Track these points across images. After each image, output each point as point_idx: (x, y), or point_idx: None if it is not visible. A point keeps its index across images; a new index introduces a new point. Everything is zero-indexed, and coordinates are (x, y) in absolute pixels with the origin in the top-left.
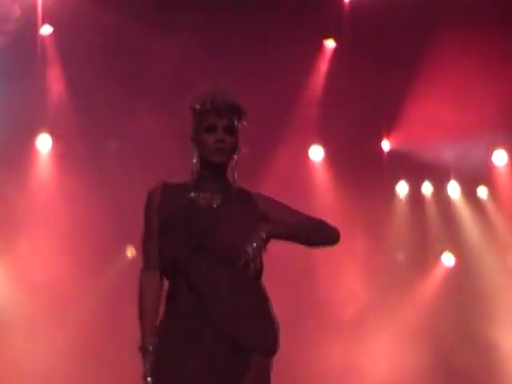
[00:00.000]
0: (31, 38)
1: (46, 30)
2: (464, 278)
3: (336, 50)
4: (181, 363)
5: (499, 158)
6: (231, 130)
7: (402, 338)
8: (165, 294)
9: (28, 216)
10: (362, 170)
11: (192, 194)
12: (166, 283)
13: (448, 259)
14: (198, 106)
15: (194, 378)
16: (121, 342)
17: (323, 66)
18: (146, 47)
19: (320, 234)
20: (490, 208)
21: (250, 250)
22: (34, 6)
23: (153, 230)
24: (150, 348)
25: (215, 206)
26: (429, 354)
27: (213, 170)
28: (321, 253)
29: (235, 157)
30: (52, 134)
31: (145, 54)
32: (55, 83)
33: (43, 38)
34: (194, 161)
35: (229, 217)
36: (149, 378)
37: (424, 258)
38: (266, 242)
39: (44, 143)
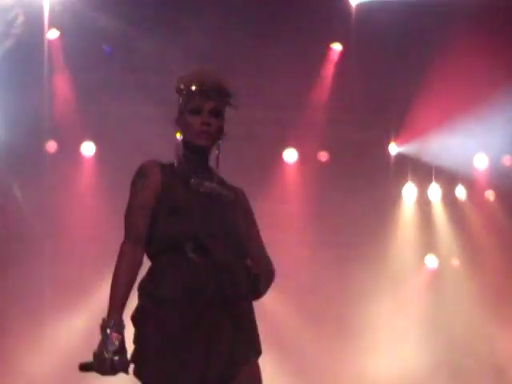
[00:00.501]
0: (38, 42)
1: (53, 34)
2: (471, 279)
3: (342, 54)
4: (183, 340)
5: (507, 161)
6: (217, 113)
7: (411, 338)
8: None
9: (36, 219)
10: (369, 173)
11: (196, 180)
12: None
13: (454, 261)
14: (183, 87)
15: (195, 358)
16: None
17: (330, 70)
18: (153, 51)
19: (268, 285)
20: (497, 211)
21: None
22: (41, 11)
23: (145, 203)
24: (111, 330)
25: (224, 194)
26: (436, 355)
27: (197, 154)
28: (329, 256)
29: (220, 141)
30: (59, 137)
31: (151, 58)
32: (62, 87)
33: (50, 42)
34: (179, 143)
35: (234, 208)
36: (116, 357)
37: (431, 259)
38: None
39: (52, 147)
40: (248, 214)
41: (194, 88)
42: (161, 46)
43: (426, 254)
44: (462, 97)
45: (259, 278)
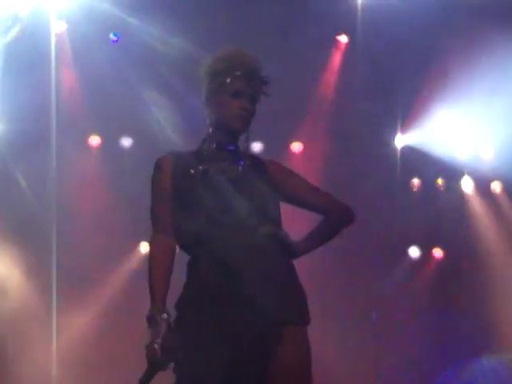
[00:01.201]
0: (44, 34)
1: (60, 26)
2: (476, 271)
3: (349, 45)
4: (210, 338)
5: None
6: (254, 100)
7: (418, 326)
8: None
9: (41, 209)
10: (376, 166)
11: (205, 166)
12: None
13: (460, 252)
14: (225, 68)
15: (226, 355)
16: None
17: (336, 61)
18: (160, 42)
19: (343, 224)
20: (505, 203)
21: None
22: (47, 3)
23: (165, 194)
24: (158, 318)
25: (233, 177)
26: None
27: (229, 136)
28: (335, 247)
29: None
30: (66, 129)
31: (159, 48)
32: (68, 79)
33: (57, 34)
34: (211, 123)
35: (247, 188)
36: (154, 345)
37: (437, 251)
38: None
39: (59, 138)
40: (279, 181)
41: (239, 71)
42: (168, 37)
43: (431, 246)
44: (469, 88)
45: (284, 238)
